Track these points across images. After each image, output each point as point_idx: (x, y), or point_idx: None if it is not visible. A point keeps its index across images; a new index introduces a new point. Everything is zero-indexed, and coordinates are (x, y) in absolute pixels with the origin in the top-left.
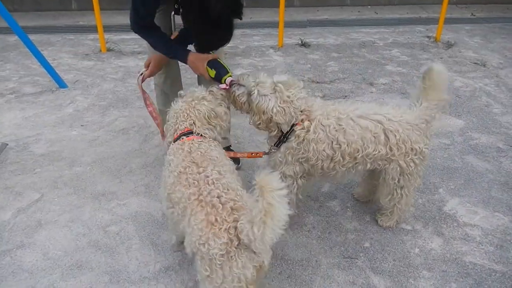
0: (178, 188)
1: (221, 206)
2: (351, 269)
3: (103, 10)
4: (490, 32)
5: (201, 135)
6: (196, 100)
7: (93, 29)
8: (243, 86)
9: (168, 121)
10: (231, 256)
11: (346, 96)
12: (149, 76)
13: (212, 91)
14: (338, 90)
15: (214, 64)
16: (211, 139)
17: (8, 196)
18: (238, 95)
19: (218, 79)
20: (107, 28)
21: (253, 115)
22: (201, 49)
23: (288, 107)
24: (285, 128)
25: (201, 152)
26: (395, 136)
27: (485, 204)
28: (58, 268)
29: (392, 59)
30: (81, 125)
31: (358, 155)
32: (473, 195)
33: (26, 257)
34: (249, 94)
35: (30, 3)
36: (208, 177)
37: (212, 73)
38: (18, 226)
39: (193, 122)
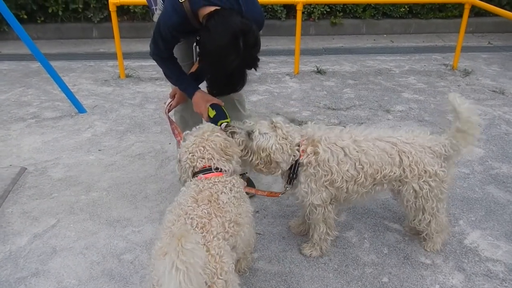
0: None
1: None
2: None
3: (122, 38)
4: (508, 60)
5: (221, 170)
6: (208, 132)
7: (112, 56)
8: (240, 129)
9: (180, 160)
10: None
11: (362, 123)
12: (175, 106)
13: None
14: (354, 117)
15: (216, 107)
16: (230, 175)
17: (25, 221)
18: (236, 134)
19: (215, 120)
20: (126, 55)
21: (251, 155)
22: (211, 93)
23: (286, 144)
24: (284, 167)
25: (210, 192)
26: (408, 158)
27: (507, 237)
28: None
29: (409, 86)
30: (99, 150)
31: (378, 176)
32: (495, 228)
33: (40, 285)
34: (248, 134)
35: (53, 31)
36: (188, 213)
37: (212, 113)
38: (33, 252)
39: (212, 156)
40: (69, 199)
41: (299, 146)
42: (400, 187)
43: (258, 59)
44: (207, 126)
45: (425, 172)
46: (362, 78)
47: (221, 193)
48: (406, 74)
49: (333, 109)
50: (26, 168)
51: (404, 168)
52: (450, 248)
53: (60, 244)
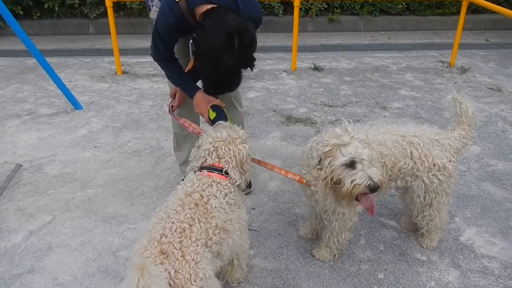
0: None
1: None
2: None
3: (119, 34)
4: (505, 57)
5: (227, 175)
6: (240, 139)
7: (109, 52)
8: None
9: (200, 147)
10: None
11: (359, 120)
12: (178, 106)
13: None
14: (351, 114)
15: (217, 109)
16: (231, 184)
17: (20, 218)
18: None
19: (215, 122)
20: (123, 51)
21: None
22: (206, 92)
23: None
24: None
25: (200, 195)
26: (417, 149)
27: (503, 234)
28: None
29: (406, 83)
30: (95, 147)
31: (394, 169)
32: (490, 225)
33: (35, 282)
34: (350, 164)
35: (49, 27)
36: (170, 217)
37: (213, 115)
38: (29, 249)
39: (230, 161)
40: (64, 196)
41: None
42: (412, 183)
43: (254, 59)
44: (242, 132)
45: (434, 165)
46: (359, 75)
47: (213, 197)
48: (403, 71)
49: (330, 106)
50: (21, 165)
51: (415, 161)
52: (445, 245)
53: (56, 241)
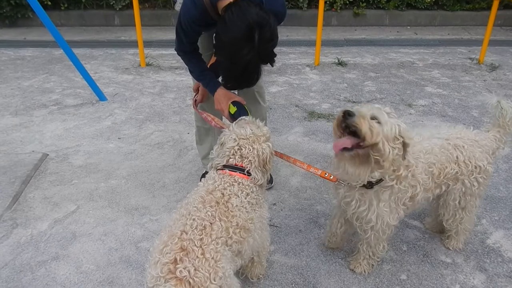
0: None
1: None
2: None
3: (144, 26)
4: None
5: (250, 175)
6: (264, 137)
7: (133, 44)
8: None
9: (223, 145)
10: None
11: None
12: (202, 101)
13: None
14: None
15: (238, 104)
16: (253, 184)
17: (46, 206)
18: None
19: (236, 117)
20: (147, 44)
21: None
22: (225, 86)
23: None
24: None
25: (222, 194)
26: (462, 153)
27: None
28: (90, 282)
29: (433, 80)
30: (118, 138)
31: (441, 176)
32: None
33: (60, 269)
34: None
35: (76, 19)
36: (190, 213)
37: (233, 109)
38: (54, 237)
39: (253, 161)
40: (89, 186)
41: None
42: (453, 186)
43: (275, 54)
44: (266, 129)
45: (476, 167)
46: (384, 70)
47: (234, 195)
48: (429, 67)
49: (354, 102)
50: (48, 154)
51: (459, 164)
52: (471, 248)
53: (80, 230)
